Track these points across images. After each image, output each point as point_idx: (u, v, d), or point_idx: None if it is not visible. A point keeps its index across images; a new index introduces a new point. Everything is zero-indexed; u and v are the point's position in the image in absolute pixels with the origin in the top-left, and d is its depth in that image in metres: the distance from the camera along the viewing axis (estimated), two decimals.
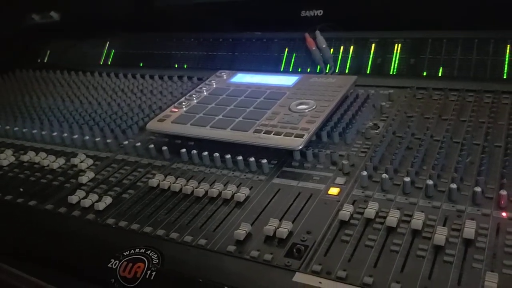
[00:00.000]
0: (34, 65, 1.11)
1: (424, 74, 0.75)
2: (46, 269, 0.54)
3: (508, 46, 0.70)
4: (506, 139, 0.56)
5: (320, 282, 0.41)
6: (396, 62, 0.78)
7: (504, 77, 0.69)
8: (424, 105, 0.67)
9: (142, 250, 0.48)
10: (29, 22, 1.14)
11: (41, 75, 1.04)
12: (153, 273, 0.45)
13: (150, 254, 0.47)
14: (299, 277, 0.42)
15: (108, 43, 1.08)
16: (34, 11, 1.13)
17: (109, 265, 0.47)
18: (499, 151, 0.54)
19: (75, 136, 0.73)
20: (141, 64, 1.02)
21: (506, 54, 0.70)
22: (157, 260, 0.46)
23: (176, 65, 0.98)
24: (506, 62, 0.70)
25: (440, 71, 0.74)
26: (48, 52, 1.15)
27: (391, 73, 0.77)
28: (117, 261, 0.47)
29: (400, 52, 0.78)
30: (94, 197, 0.57)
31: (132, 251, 0.48)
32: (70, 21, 1.11)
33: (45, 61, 1.15)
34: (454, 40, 0.74)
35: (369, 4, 0.80)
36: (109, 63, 1.06)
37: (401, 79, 0.75)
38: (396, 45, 0.78)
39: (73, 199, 0.57)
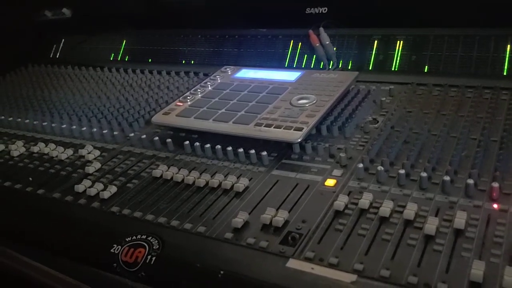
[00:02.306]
0: (46, 60, 1.14)
1: (425, 70, 0.76)
2: (52, 254, 0.56)
3: (509, 43, 0.71)
4: (502, 133, 0.57)
5: (312, 268, 0.42)
6: (398, 58, 0.79)
7: (504, 73, 0.70)
8: (423, 101, 0.68)
9: (144, 237, 0.49)
10: (42, 18, 1.17)
11: (52, 70, 1.07)
12: (153, 258, 0.47)
13: (151, 240, 0.49)
14: (292, 263, 0.43)
15: (118, 39, 1.11)
16: (46, 8, 1.16)
17: (112, 250, 0.49)
18: (494, 145, 0.55)
19: (84, 129, 0.76)
20: (149, 60, 1.04)
21: (506, 51, 0.71)
22: (158, 246, 0.48)
23: (184, 61, 1.00)
24: (507, 59, 0.70)
25: (441, 67, 0.75)
26: (60, 47, 1.18)
27: (392, 69, 0.78)
28: (119, 247, 0.49)
29: (402, 49, 0.79)
30: (99, 186, 0.59)
31: (134, 237, 0.50)
32: (81, 18, 1.14)
33: (57, 56, 1.18)
34: (456, 37, 0.75)
35: (372, 2, 0.81)
36: (118, 58, 1.09)
37: (402, 75, 0.76)
38: (398, 42, 0.79)
39: (79, 188, 0.60)
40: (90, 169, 0.64)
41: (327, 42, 0.83)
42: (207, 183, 0.57)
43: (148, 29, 1.07)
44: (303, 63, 0.87)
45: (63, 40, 1.18)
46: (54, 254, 0.56)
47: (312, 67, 0.85)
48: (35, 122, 0.81)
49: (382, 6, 0.81)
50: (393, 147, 0.57)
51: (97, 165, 0.65)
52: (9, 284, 0.70)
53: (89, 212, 0.56)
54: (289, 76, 0.76)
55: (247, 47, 0.94)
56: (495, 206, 0.46)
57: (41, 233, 0.57)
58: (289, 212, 0.49)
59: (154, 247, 0.48)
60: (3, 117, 0.86)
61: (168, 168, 0.61)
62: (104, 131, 0.73)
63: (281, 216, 0.48)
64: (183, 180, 0.58)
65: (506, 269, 0.38)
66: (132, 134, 0.72)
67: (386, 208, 0.47)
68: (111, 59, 1.09)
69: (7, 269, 0.66)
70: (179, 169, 0.60)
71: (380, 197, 0.50)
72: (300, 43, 0.88)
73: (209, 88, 0.77)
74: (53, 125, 0.79)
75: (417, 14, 0.78)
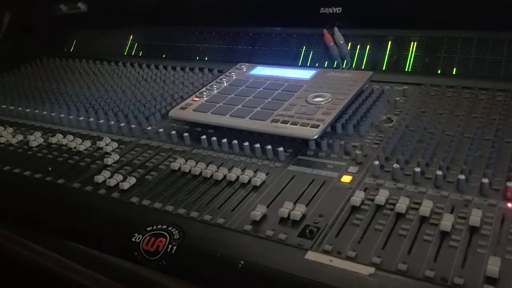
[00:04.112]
0: (61, 54, 1.15)
1: (439, 72, 0.77)
2: (73, 243, 0.57)
3: None
4: None
5: (330, 260, 0.44)
6: (412, 59, 0.80)
7: None
8: (437, 102, 0.69)
9: (164, 226, 0.51)
10: (57, 12, 1.18)
11: (67, 64, 1.09)
12: (174, 248, 0.48)
13: (172, 230, 0.50)
14: (311, 255, 0.44)
15: (132, 34, 1.12)
16: (62, 2, 1.18)
17: (133, 239, 0.50)
18: (508, 146, 0.56)
19: (101, 121, 0.77)
20: (163, 56, 1.05)
21: None
22: (178, 236, 0.49)
23: (198, 58, 1.01)
24: None
25: (455, 69, 0.76)
26: (75, 41, 1.19)
27: (406, 70, 0.79)
28: (141, 236, 0.50)
29: (415, 50, 0.80)
30: (119, 177, 0.60)
31: (155, 227, 0.51)
32: (96, 13, 1.15)
33: (71, 50, 1.19)
34: (469, 40, 0.76)
35: (387, 2, 0.82)
36: (133, 53, 1.10)
37: (416, 76, 0.77)
38: (412, 43, 0.80)
39: (99, 178, 0.61)
40: (109, 160, 0.65)
41: (341, 42, 0.84)
42: (224, 176, 0.58)
43: (163, 25, 1.08)
44: (317, 62, 0.88)
45: (78, 34, 1.19)
46: (73, 243, 0.57)
47: (325, 66, 0.86)
48: (52, 114, 0.82)
49: (396, 7, 0.82)
50: (408, 146, 0.58)
51: (116, 157, 0.66)
52: (25, 273, 0.72)
53: (109, 202, 0.57)
54: (304, 74, 0.77)
55: (261, 45, 0.95)
56: (509, 205, 0.47)
57: (61, 222, 0.58)
58: (306, 206, 0.51)
59: (175, 237, 0.49)
60: (20, 108, 0.87)
61: (186, 161, 0.62)
62: (121, 124, 0.75)
63: (299, 210, 0.49)
64: (201, 173, 0.60)
65: None
66: (149, 128, 0.73)
67: (402, 204, 0.48)
68: (126, 54, 1.10)
69: (24, 258, 0.67)
70: (196, 163, 0.61)
71: (395, 194, 0.51)
72: (314, 42, 0.89)
73: (225, 84, 0.78)
74: (70, 117, 0.80)
75: (431, 16, 0.79)
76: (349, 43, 0.85)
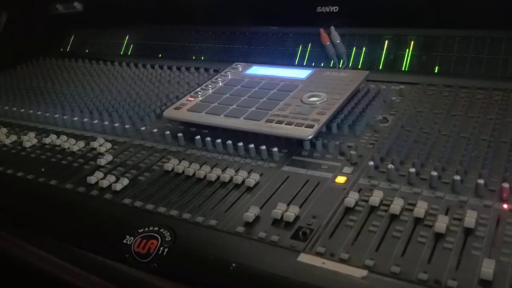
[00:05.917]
0: (57, 54, 1.15)
1: (436, 71, 0.76)
2: (64, 244, 0.57)
3: None
4: None
5: (323, 263, 0.43)
6: (408, 58, 0.79)
7: None
8: (433, 101, 0.68)
9: (156, 228, 0.50)
10: (53, 12, 1.18)
11: (63, 63, 1.08)
12: (166, 250, 0.48)
13: (163, 232, 0.50)
14: (303, 258, 0.44)
15: (128, 34, 1.11)
16: (58, 2, 1.17)
17: (124, 241, 0.50)
18: (504, 146, 0.55)
19: (95, 121, 0.76)
20: (159, 55, 1.04)
21: None
22: (170, 238, 0.49)
23: (194, 57, 1.00)
24: None
25: (452, 68, 0.75)
26: (71, 41, 1.19)
27: (403, 69, 0.79)
28: (132, 238, 0.50)
29: (412, 49, 0.79)
30: (111, 178, 0.60)
31: (146, 228, 0.50)
32: (92, 12, 1.15)
33: (68, 50, 1.19)
34: (467, 39, 0.75)
35: (384, 1, 0.81)
36: (129, 53, 1.09)
37: (412, 75, 0.76)
38: (409, 42, 0.79)
39: (91, 179, 0.60)
40: (102, 161, 0.64)
41: (338, 41, 0.84)
42: (218, 177, 0.58)
43: (159, 24, 1.08)
44: (313, 61, 0.87)
45: (74, 34, 1.19)
46: (66, 244, 0.57)
47: (322, 65, 0.86)
48: (46, 114, 0.81)
49: (393, 6, 0.81)
50: (403, 146, 0.57)
51: (109, 157, 0.65)
52: (18, 274, 0.71)
53: (101, 204, 0.57)
54: (300, 73, 0.77)
55: (258, 45, 0.94)
56: (505, 206, 0.47)
57: (53, 223, 0.58)
58: (300, 207, 0.50)
59: (166, 239, 0.48)
60: (14, 109, 0.86)
61: (180, 162, 0.61)
62: (115, 125, 0.74)
63: (292, 212, 0.49)
64: (194, 174, 0.59)
65: None
66: (143, 128, 0.72)
67: (396, 205, 0.47)
68: (122, 53, 1.10)
69: (17, 259, 0.67)
70: (190, 163, 0.61)
71: (390, 195, 0.50)
72: (310, 42, 0.88)
73: (220, 84, 0.77)
74: (64, 117, 0.79)
75: (428, 14, 0.78)
76: (346, 42, 0.84)
